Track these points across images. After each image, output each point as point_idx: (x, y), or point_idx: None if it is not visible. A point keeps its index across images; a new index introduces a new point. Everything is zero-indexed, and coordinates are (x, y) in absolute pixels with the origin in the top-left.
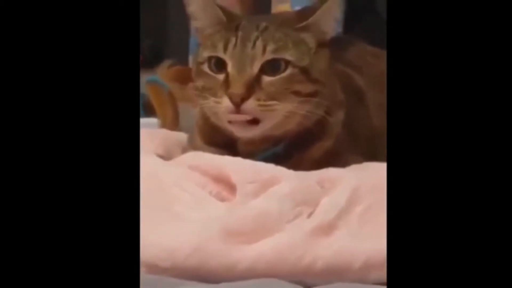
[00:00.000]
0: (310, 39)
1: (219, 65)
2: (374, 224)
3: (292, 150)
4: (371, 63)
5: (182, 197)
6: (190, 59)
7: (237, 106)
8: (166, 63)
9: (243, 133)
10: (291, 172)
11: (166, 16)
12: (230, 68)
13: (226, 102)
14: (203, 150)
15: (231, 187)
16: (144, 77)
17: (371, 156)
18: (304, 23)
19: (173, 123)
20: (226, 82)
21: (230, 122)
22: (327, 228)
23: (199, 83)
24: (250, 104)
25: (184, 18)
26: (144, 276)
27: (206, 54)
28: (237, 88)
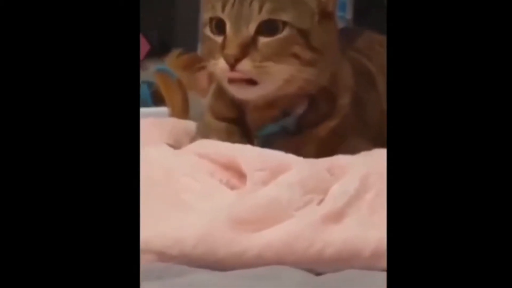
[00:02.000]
0: (312, 3)
1: (219, 26)
2: (383, 211)
3: (301, 125)
4: (380, 51)
5: (191, 186)
6: (199, 48)
7: (232, 66)
8: (175, 52)
9: (242, 94)
10: (300, 159)
11: (175, 4)
12: (227, 29)
13: (221, 63)
14: (213, 125)
15: (241, 175)
16: (153, 66)
17: (381, 143)
18: None
19: (183, 112)
20: (223, 43)
21: (229, 81)
22: (337, 216)
23: (205, 48)
24: (245, 65)
25: (193, 6)
26: (153, 263)
27: (206, 16)
28: (231, 49)
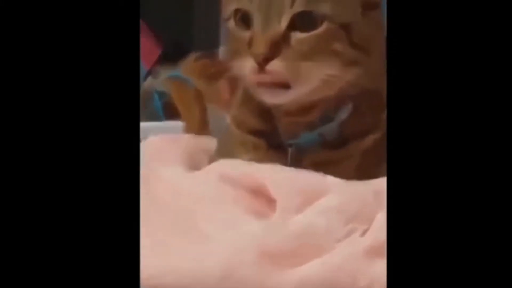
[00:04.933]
0: None
1: (245, 20)
2: None
3: (344, 135)
4: None
5: (212, 214)
6: (221, 51)
7: (261, 67)
8: (193, 55)
9: (272, 98)
10: (340, 182)
11: (192, 5)
12: (255, 23)
13: (250, 63)
14: (239, 138)
15: (270, 201)
16: (166, 73)
17: None
18: None
19: (201, 127)
20: (250, 40)
21: (258, 85)
22: (384, 248)
23: (229, 46)
24: (276, 65)
25: (214, 4)
26: None
27: (231, 7)
28: (260, 47)
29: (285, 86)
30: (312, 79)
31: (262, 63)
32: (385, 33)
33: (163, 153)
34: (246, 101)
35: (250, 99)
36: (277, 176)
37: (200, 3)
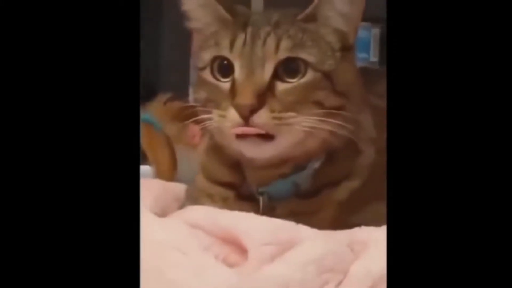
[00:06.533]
0: (331, 37)
1: (224, 69)
2: None
3: (317, 183)
4: None
5: (181, 262)
6: (191, 92)
7: (246, 119)
8: (162, 97)
9: (255, 152)
10: (314, 231)
11: (161, 42)
12: (237, 72)
13: (232, 115)
14: (207, 190)
15: (242, 250)
16: None
17: None
18: (304, 13)
19: (170, 172)
20: (233, 90)
21: (238, 137)
22: None
23: (201, 94)
24: (262, 117)
25: (183, 42)
26: None
27: (208, 56)
28: (246, 98)
29: (268, 138)
30: (296, 131)
31: (248, 115)
32: (359, 79)
33: None
34: (214, 151)
35: (218, 149)
36: (249, 224)
37: (167, 43)
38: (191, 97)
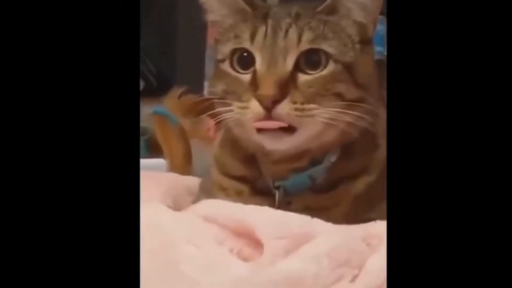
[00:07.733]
0: (351, 29)
1: (245, 61)
2: None
3: (333, 177)
4: None
5: (195, 256)
6: (206, 86)
7: (269, 110)
8: (176, 91)
9: (276, 145)
10: (329, 225)
11: (176, 35)
12: (258, 63)
13: (254, 107)
14: (221, 183)
15: (257, 244)
16: (149, 108)
17: None
18: (323, 5)
19: (184, 165)
20: (254, 82)
21: (259, 130)
22: None
23: (219, 87)
24: (284, 108)
25: (199, 34)
26: None
27: (227, 48)
28: (268, 88)
29: (290, 130)
30: (317, 122)
31: (271, 106)
32: (377, 71)
33: (144, 191)
34: (229, 144)
35: (234, 143)
36: (264, 218)
37: (182, 37)
38: (206, 91)
